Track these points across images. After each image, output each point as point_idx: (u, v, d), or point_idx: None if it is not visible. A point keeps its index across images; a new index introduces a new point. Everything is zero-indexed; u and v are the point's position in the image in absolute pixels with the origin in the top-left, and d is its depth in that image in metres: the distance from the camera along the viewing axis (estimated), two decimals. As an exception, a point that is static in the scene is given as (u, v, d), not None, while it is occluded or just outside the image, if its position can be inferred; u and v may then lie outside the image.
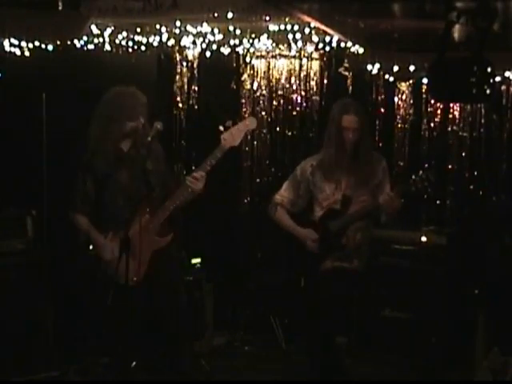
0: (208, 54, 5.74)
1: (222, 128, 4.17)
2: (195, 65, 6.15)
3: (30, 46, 5.57)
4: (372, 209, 4.57)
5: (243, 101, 6.19)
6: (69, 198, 4.41)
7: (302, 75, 6.10)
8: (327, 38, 5.34)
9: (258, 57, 6.09)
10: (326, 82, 6.06)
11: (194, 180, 4.15)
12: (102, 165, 4.30)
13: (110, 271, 4.21)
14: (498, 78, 5.24)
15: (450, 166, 5.78)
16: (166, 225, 4.32)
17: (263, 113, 6.19)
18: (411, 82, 5.82)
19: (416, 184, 4.44)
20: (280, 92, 6.17)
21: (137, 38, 5.57)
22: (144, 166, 4.19)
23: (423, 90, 5.80)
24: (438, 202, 5.81)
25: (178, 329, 4.40)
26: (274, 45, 5.65)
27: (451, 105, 5.74)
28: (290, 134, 6.20)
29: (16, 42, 5.51)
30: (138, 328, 4.40)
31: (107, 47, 5.64)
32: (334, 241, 4.63)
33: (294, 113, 6.17)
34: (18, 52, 5.60)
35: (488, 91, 3.69)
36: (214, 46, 5.63)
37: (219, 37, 5.42)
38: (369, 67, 5.65)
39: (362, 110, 4.69)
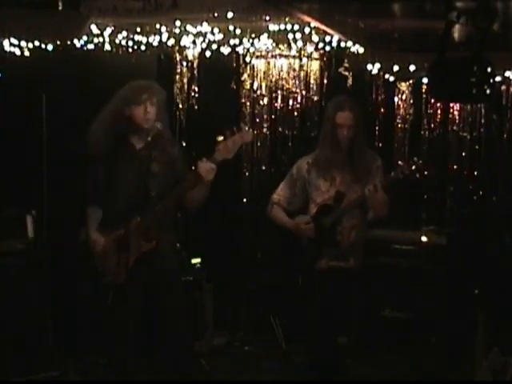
0: (208, 53, 5.74)
1: (220, 138, 4.10)
2: (195, 65, 6.14)
3: (30, 46, 5.57)
4: (361, 200, 4.53)
5: (243, 101, 6.20)
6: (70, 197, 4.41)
7: (301, 75, 6.10)
8: (327, 38, 5.34)
9: (257, 57, 6.09)
10: (325, 81, 6.06)
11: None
12: (111, 159, 4.25)
13: (99, 268, 4.22)
14: (498, 78, 5.24)
15: (449, 166, 5.79)
16: (155, 229, 4.25)
17: (263, 113, 6.19)
18: (411, 81, 5.82)
19: (403, 170, 4.41)
20: (280, 92, 6.18)
21: (137, 37, 5.56)
22: (149, 167, 4.17)
23: (423, 90, 5.80)
24: (437, 201, 5.82)
25: (177, 329, 4.40)
26: (273, 45, 5.65)
27: (451, 105, 5.74)
28: (290, 133, 6.21)
29: (16, 42, 5.51)
30: (137, 328, 4.40)
31: (107, 47, 5.64)
32: (329, 237, 4.62)
33: (295, 113, 6.18)
34: (17, 52, 5.60)
35: (488, 91, 3.69)
36: (214, 46, 5.63)
37: (219, 37, 5.41)
38: (369, 67, 5.65)
39: (356, 107, 4.63)
